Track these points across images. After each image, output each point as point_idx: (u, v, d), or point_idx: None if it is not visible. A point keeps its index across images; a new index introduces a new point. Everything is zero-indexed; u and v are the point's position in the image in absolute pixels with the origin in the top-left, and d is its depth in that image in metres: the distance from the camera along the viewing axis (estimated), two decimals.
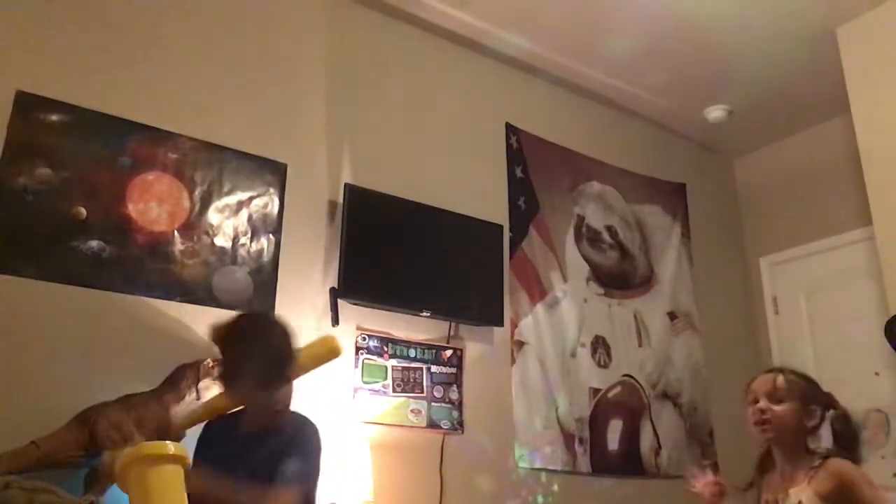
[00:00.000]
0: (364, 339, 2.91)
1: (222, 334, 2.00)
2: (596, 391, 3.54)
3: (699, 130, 4.38)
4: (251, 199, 2.81)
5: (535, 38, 3.59)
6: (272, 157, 2.88)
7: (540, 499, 3.19)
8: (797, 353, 4.08)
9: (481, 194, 3.45)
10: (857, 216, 3.74)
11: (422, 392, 2.99)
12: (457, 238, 3.24)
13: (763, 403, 1.91)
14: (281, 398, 2.04)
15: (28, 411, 2.14)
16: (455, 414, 3.05)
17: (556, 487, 3.25)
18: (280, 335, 2.01)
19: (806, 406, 1.90)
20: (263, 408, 2.01)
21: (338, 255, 2.88)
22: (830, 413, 1.91)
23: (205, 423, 2.18)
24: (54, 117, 2.45)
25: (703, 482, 2.03)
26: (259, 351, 1.95)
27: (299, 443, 1.93)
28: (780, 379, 1.93)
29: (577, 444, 3.37)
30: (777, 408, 1.89)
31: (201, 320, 2.53)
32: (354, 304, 2.91)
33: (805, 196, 4.24)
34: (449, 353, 3.12)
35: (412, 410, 2.94)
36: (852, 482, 1.76)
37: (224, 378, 2.03)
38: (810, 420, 1.89)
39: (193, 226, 2.65)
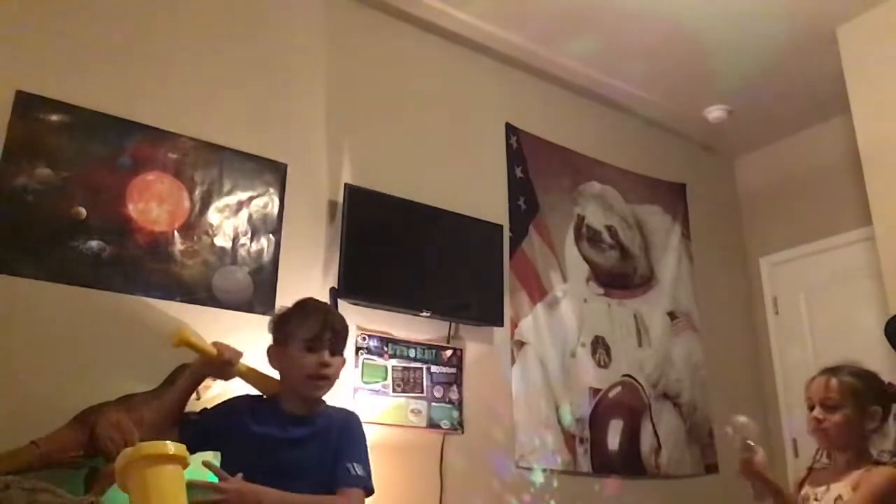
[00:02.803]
0: (364, 339, 2.90)
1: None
2: (596, 391, 3.54)
3: (699, 130, 4.38)
4: (251, 199, 2.81)
5: (535, 38, 3.59)
6: (272, 157, 2.88)
7: (540, 499, 3.19)
8: (797, 354, 4.08)
9: (481, 194, 3.45)
10: (856, 216, 3.74)
11: (422, 392, 2.99)
12: (457, 238, 3.24)
13: (818, 412, 1.86)
14: None
15: (28, 411, 2.14)
16: (455, 414, 3.05)
17: (556, 487, 3.25)
18: None
19: (864, 409, 1.82)
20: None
21: (338, 255, 2.88)
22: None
23: (241, 396, 1.95)
24: (54, 117, 2.45)
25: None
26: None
27: (357, 438, 1.89)
28: (834, 383, 1.85)
29: (577, 444, 3.37)
30: (832, 417, 1.83)
31: (201, 320, 2.53)
32: (354, 304, 2.90)
33: (805, 196, 4.24)
34: (449, 353, 3.11)
35: (412, 410, 2.94)
36: (874, 486, 1.72)
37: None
38: (871, 422, 1.82)
39: (193, 226, 2.65)
